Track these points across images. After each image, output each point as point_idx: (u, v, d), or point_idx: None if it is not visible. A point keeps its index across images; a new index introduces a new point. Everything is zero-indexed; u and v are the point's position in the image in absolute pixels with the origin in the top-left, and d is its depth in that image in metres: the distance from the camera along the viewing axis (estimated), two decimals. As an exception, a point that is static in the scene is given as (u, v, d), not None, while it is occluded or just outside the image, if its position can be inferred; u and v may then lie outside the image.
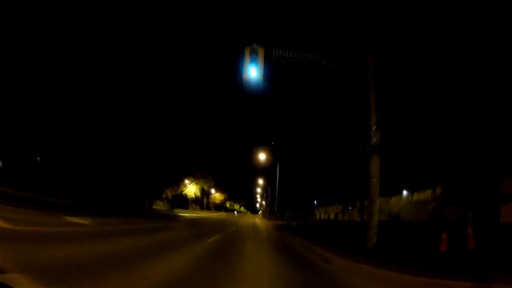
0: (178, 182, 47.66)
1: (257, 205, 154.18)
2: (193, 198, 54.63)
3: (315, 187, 46.38)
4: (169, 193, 50.72)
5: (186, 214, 41.70)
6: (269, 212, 74.61)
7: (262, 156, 37.06)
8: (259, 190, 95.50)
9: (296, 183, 52.53)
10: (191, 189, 53.20)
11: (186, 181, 51.23)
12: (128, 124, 26.41)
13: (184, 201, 76.10)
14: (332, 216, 38.88)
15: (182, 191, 52.80)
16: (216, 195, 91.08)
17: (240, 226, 23.39)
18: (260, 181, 66.80)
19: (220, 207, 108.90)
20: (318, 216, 47.12)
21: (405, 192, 21.79)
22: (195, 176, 49.48)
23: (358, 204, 30.32)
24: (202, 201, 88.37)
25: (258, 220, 41.75)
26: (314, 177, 39.90)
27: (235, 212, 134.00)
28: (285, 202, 53.08)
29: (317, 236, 13.96)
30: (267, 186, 65.76)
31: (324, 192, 46.17)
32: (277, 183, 37.27)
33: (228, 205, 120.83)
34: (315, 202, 52.11)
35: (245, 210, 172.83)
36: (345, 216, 34.07)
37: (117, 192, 30.15)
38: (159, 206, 54.75)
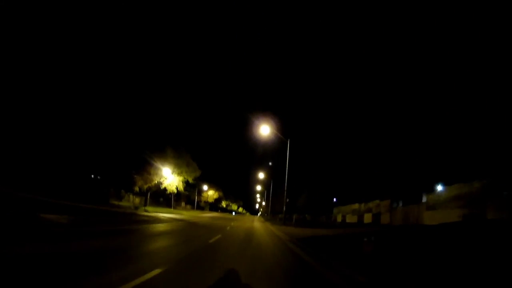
0: (146, 167, 35.64)
1: (256, 205, 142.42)
2: (173, 192, 42.54)
3: (337, 178, 34.63)
4: (142, 184, 38.84)
5: (164, 214, 30.22)
6: (271, 212, 62.46)
7: (265, 130, 25.03)
8: (259, 188, 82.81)
9: (309, 175, 40.44)
10: (172, 181, 41.16)
11: (165, 172, 39.18)
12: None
13: (168, 198, 64.40)
14: (367, 218, 26.79)
15: (161, 183, 40.83)
16: (209, 193, 78.99)
17: (225, 238, 11.43)
18: (261, 175, 54.73)
19: (215, 206, 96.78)
20: (340, 219, 35.03)
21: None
22: (169, 161, 37.45)
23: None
24: (193, 199, 76.56)
25: (258, 223, 29.66)
26: (336, 165, 28.58)
27: (233, 213, 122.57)
28: (294, 200, 40.93)
29: None
30: (270, 180, 53.74)
31: (353, 184, 34.42)
32: (287, 166, 25.23)
33: (224, 205, 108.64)
34: (334, 199, 40.14)
35: (243, 211, 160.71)
36: (396, 216, 22.10)
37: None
38: (129, 202, 42.68)
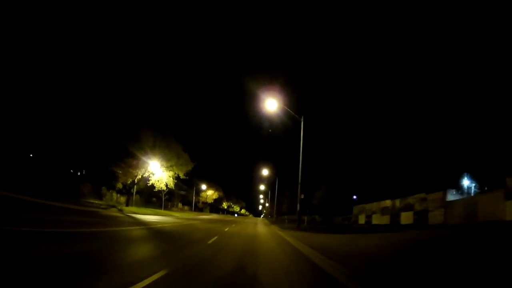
0: (126, 160, 29.46)
1: (260, 207, 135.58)
2: (163, 190, 36.28)
3: (357, 172, 28.27)
4: (125, 180, 32.68)
5: (147, 216, 24.28)
6: (277, 214, 55.88)
7: (272, 105, 18.74)
8: (262, 187, 76.03)
9: (326, 168, 33.95)
10: (160, 176, 34.83)
11: (152, 166, 32.85)
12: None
13: (164, 198, 58.13)
14: (406, 218, 20.28)
15: (148, 180, 34.58)
16: (208, 192, 72.56)
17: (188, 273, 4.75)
18: (265, 172, 48.16)
19: (216, 208, 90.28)
20: (363, 220, 28.46)
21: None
22: (156, 152, 31.14)
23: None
24: (190, 200, 70.18)
25: (262, 228, 23.30)
26: (356, 155, 22.91)
27: (235, 215, 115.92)
28: (305, 198, 34.51)
29: None
30: (275, 178, 47.20)
31: (378, 178, 28.05)
32: (301, 149, 18.86)
33: (225, 206, 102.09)
34: (354, 197, 33.58)
35: (246, 213, 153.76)
36: (454, 212, 15.66)
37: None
38: (112, 201, 36.34)
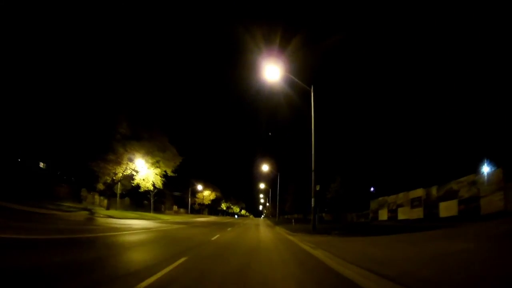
0: (105, 155, 25.01)
1: (260, 207, 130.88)
2: (150, 190, 31.67)
3: (377, 156, 24.14)
4: (105, 178, 28.27)
5: (127, 221, 19.79)
6: (279, 213, 51.25)
7: (273, 73, 14.35)
8: (262, 186, 71.37)
9: (341, 154, 29.44)
10: (146, 174, 30.28)
11: (136, 163, 28.34)
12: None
13: (157, 201, 53.65)
14: (447, 209, 15.86)
15: (132, 177, 30.03)
16: (205, 193, 67.86)
17: None
18: (265, 167, 43.56)
19: (214, 210, 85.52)
20: (386, 215, 24.04)
21: None
22: (138, 147, 26.60)
23: None
24: (186, 202, 65.49)
25: (266, 231, 19.14)
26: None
27: (236, 216, 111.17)
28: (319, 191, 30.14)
29: None
30: (276, 173, 42.66)
31: (408, 161, 23.90)
32: (313, 128, 14.48)
33: (224, 207, 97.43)
34: (371, 189, 29.12)
35: (246, 213, 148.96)
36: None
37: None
38: (93, 203, 31.63)
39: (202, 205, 71.04)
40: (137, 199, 52.76)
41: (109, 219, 20.89)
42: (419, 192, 19.71)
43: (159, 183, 31.72)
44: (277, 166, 43.95)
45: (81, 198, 34.98)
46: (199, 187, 63.86)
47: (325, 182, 26.65)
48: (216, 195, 71.32)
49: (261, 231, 18.22)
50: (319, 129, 17.02)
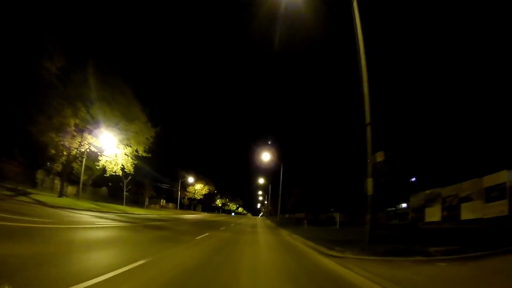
0: (47, 120, 17.56)
1: (258, 205, 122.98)
2: (115, 174, 24.27)
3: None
4: (60, 156, 21.06)
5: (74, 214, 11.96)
6: (282, 211, 43.70)
7: None
8: (261, 181, 63.55)
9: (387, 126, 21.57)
10: (114, 156, 22.99)
11: (103, 138, 21.05)
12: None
13: (135, 193, 46.55)
14: None
15: (97, 156, 22.86)
16: (197, 187, 60.37)
17: None
18: (266, 156, 36.02)
19: (209, 206, 77.76)
20: (438, 215, 16.69)
21: None
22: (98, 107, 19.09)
23: None
24: (175, 197, 57.98)
25: (271, 241, 10.20)
26: None
27: (233, 214, 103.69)
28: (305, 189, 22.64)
29: None
30: (279, 164, 35.31)
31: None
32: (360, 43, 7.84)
33: (219, 204, 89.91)
34: (412, 179, 21.73)
35: (244, 211, 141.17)
36: None
37: None
38: (52, 189, 24.14)
39: (193, 200, 63.51)
40: (117, 190, 45.48)
41: (52, 208, 13.62)
42: (501, 177, 12.47)
43: (129, 166, 24.22)
44: (280, 154, 36.54)
45: (36, 181, 27.72)
46: (190, 179, 56.36)
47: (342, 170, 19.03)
48: (209, 189, 63.70)
49: (261, 240, 10.77)
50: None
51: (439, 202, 17.24)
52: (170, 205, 61.57)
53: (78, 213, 14.30)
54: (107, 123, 20.53)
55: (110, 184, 38.32)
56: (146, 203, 51.71)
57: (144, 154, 23.57)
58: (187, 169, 56.84)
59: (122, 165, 24.05)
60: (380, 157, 7.35)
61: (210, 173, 67.33)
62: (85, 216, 13.22)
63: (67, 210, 15.20)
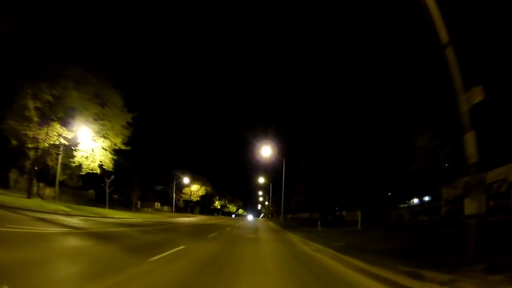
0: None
1: (259, 206, 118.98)
2: (91, 171, 20.78)
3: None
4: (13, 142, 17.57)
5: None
6: (285, 211, 40.16)
7: None
8: (261, 180, 59.81)
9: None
10: (91, 152, 19.60)
11: (81, 133, 17.55)
12: None
13: (126, 195, 43.25)
14: None
15: (71, 150, 19.45)
16: (193, 188, 56.82)
17: None
18: (266, 151, 32.52)
19: (207, 208, 74.02)
20: (481, 207, 13.10)
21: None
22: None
23: None
24: (171, 198, 54.35)
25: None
26: None
27: (233, 215, 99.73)
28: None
29: None
30: (282, 157, 32.02)
31: None
32: None
33: (218, 205, 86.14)
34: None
35: (244, 213, 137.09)
36: None
37: None
38: (28, 191, 20.59)
39: (190, 202, 59.83)
40: (104, 193, 41.89)
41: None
42: None
43: (108, 162, 20.77)
44: (282, 149, 33.10)
45: (8, 181, 24.37)
46: (186, 180, 52.75)
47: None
48: (206, 190, 59.99)
49: (267, 257, 7.22)
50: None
51: (483, 190, 13.82)
52: (166, 208, 57.86)
53: (28, 215, 10.77)
54: (77, 108, 17.07)
55: (102, 185, 34.62)
56: (138, 206, 48.05)
57: (122, 147, 20.09)
58: (182, 169, 53.34)
59: (101, 162, 20.65)
60: (477, 95, 3.96)
61: (207, 173, 63.75)
62: (25, 219, 9.69)
63: (24, 212, 11.73)
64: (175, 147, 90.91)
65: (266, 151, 33.09)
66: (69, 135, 18.49)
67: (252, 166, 58.34)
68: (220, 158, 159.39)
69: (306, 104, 54.14)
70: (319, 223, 13.31)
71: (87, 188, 38.76)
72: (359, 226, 12.84)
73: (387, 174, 15.81)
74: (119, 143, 19.65)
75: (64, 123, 17.99)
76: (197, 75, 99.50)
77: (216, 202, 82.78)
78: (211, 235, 11.53)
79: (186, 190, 55.98)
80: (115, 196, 44.83)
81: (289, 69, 78.13)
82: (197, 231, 13.97)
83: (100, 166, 21.20)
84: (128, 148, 20.38)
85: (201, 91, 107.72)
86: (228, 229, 17.12)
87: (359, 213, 13.41)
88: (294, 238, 11.73)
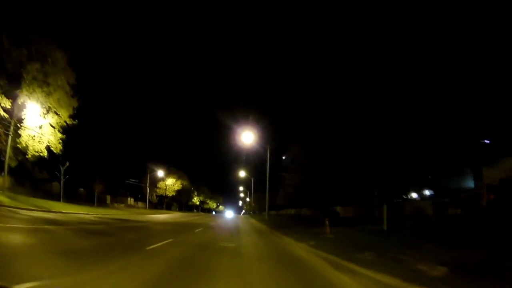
0: None
1: (240, 202, 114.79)
2: (41, 155, 16.12)
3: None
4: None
5: None
6: (271, 207, 36.44)
7: None
8: (242, 173, 55.72)
9: None
10: (39, 129, 14.99)
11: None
12: None
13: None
14: None
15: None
16: (168, 182, 52.13)
17: None
18: (248, 137, 28.61)
19: (186, 205, 68.96)
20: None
21: None
22: None
23: None
24: (144, 191, 49.29)
25: None
26: None
27: (213, 212, 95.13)
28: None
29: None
30: (265, 146, 28.36)
31: None
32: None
33: (197, 202, 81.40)
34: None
35: (224, 209, 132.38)
36: None
37: None
38: None
39: (165, 197, 54.96)
40: (74, 187, 36.71)
41: None
42: None
43: (56, 142, 16.48)
44: (267, 135, 29.40)
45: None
46: (160, 173, 47.95)
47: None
48: (182, 184, 55.21)
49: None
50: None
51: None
52: (140, 204, 52.82)
53: None
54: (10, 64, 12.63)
55: (57, 173, 28.93)
56: (108, 201, 42.88)
57: (69, 122, 15.83)
58: (156, 161, 48.46)
59: (49, 143, 16.29)
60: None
61: (184, 166, 58.83)
62: None
63: None
64: (148, 137, 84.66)
65: (247, 137, 29.05)
66: (7, 104, 14.09)
67: (232, 158, 53.82)
68: (197, 149, 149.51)
69: (300, 78, 49.30)
70: (326, 222, 9.68)
71: (52, 180, 33.27)
72: (385, 226, 9.36)
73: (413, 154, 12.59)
74: (65, 116, 15.55)
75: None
76: (167, 53, 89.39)
77: (195, 198, 78.04)
78: (153, 246, 6.81)
79: (161, 184, 51.12)
80: (81, 189, 39.52)
81: (270, 39, 72.04)
82: (143, 236, 9.70)
83: (48, 148, 16.74)
84: (75, 122, 16.16)
85: (172, 72, 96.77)
86: (198, 230, 13.04)
87: (385, 207, 9.93)
88: (296, 245, 7.96)
